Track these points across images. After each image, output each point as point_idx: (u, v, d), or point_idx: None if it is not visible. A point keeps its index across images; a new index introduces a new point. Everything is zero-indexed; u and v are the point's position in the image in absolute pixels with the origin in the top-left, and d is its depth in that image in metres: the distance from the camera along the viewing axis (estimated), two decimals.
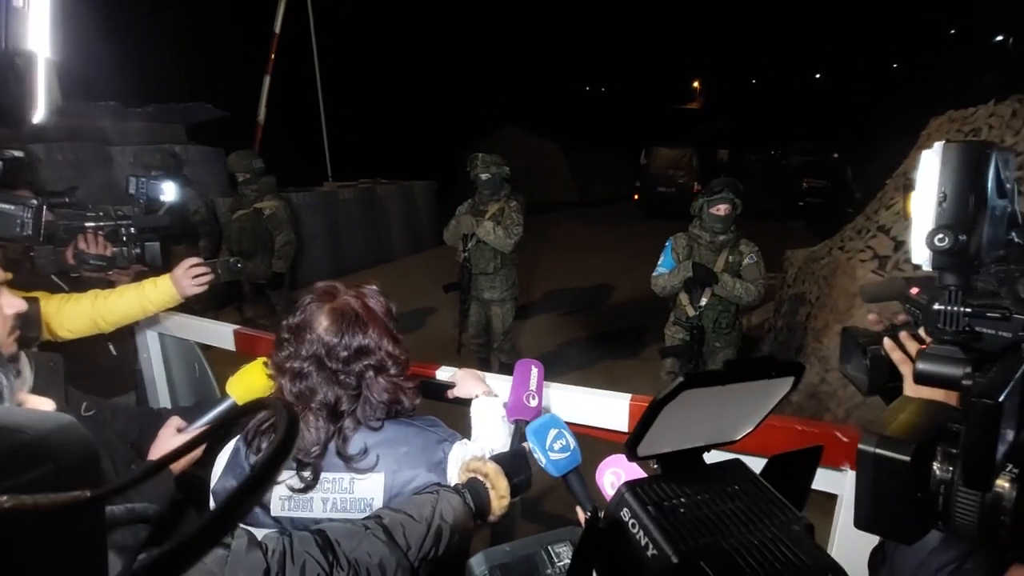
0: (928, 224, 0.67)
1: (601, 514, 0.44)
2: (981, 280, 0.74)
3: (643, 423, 0.41)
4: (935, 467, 0.51)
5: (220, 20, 11.42)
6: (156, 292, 1.63)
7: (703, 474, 0.45)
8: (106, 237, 1.76)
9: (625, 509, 0.41)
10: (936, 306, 0.72)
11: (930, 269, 0.70)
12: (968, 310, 0.70)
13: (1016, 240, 0.91)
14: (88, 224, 1.73)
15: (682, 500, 0.41)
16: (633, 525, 0.40)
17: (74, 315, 1.54)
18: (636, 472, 0.69)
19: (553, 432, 0.95)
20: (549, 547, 0.64)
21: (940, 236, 0.66)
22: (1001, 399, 0.46)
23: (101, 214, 1.76)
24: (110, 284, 1.80)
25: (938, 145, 0.67)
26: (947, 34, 16.38)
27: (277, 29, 7.75)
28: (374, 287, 1.06)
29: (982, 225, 0.67)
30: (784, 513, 0.41)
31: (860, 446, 0.51)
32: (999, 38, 16.01)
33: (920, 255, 0.69)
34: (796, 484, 0.47)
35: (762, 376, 0.43)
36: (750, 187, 3.20)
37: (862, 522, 0.52)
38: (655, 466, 0.46)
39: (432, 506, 0.89)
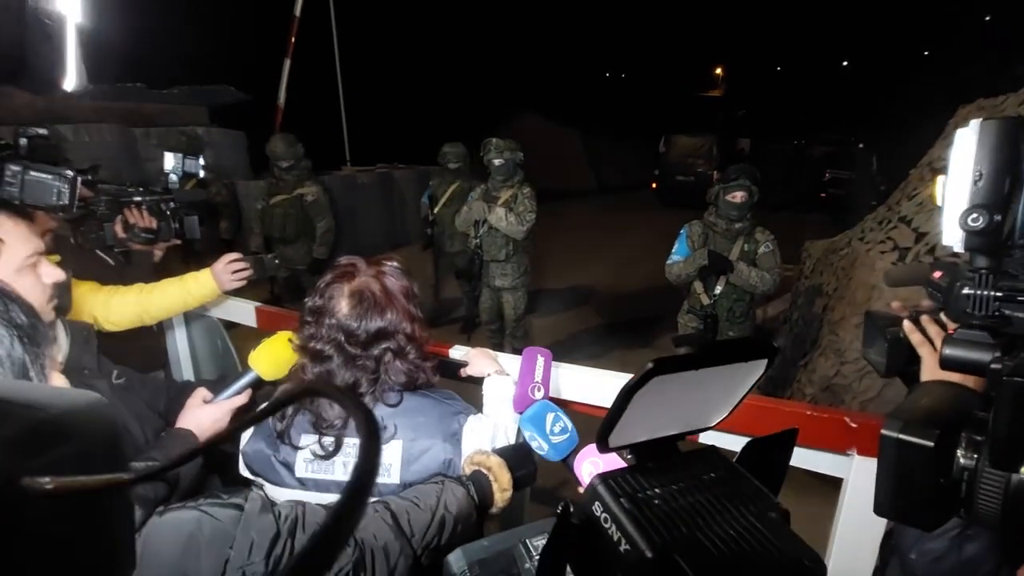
0: (962, 204, 0.65)
1: (572, 508, 0.42)
2: (1012, 264, 0.71)
3: (613, 412, 0.40)
4: (959, 454, 0.50)
5: (242, 3, 11.48)
6: (197, 286, 1.68)
7: (678, 463, 0.43)
8: (149, 211, 1.85)
9: (597, 503, 0.39)
10: (965, 289, 0.69)
11: (961, 250, 0.68)
12: (999, 294, 0.68)
13: None
14: (136, 198, 1.83)
15: (656, 491, 0.39)
16: (605, 520, 0.38)
17: (120, 309, 1.60)
18: (615, 462, 0.66)
19: (550, 416, 0.97)
20: (527, 541, 0.62)
21: (974, 216, 0.63)
22: None
23: (141, 189, 1.84)
24: (152, 267, 1.87)
25: (974, 122, 0.65)
26: (981, 21, 15.79)
27: (297, 13, 7.78)
28: (395, 264, 1.06)
29: (1018, 205, 0.65)
30: (760, 500, 0.40)
31: (883, 431, 0.50)
32: None
33: (952, 236, 0.67)
34: (772, 468, 0.46)
35: (734, 359, 0.42)
36: (771, 177, 3.16)
37: (882, 508, 0.52)
38: (629, 457, 0.45)
39: (437, 496, 0.92)
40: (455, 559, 0.58)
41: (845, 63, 24.79)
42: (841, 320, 3.17)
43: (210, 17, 11.11)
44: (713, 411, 0.47)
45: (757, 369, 0.44)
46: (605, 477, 0.40)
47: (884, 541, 1.06)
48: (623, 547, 0.36)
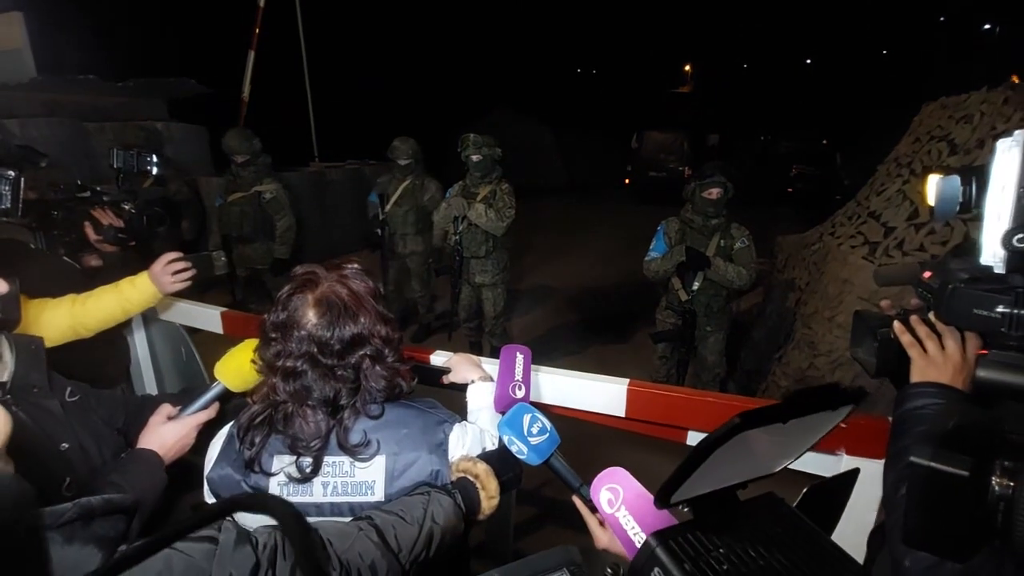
0: (1005, 222, 0.62)
1: (622, 572, 0.38)
2: None
3: (685, 470, 0.36)
4: (994, 481, 0.48)
5: None
6: (135, 292, 1.56)
7: (740, 516, 0.40)
8: (113, 211, 1.77)
9: (656, 569, 0.35)
10: (1000, 308, 0.67)
11: (1003, 271, 0.66)
12: None
13: None
14: (105, 198, 1.74)
15: (721, 552, 0.36)
16: None
17: (52, 324, 1.45)
18: (635, 489, 0.64)
19: (527, 417, 0.94)
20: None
21: (1021, 236, 0.61)
22: None
23: (98, 189, 1.75)
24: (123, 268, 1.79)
25: (1019, 133, 0.62)
26: (936, 21, 16.42)
27: (261, 2, 7.53)
28: (355, 266, 1.00)
29: None
30: (839, 562, 0.36)
31: (913, 459, 0.47)
32: (987, 26, 16.08)
33: (992, 255, 0.65)
34: (832, 512, 0.44)
35: (823, 408, 0.40)
36: (740, 173, 3.19)
37: (914, 539, 0.49)
38: (686, 509, 0.40)
39: (423, 508, 0.88)
40: None
41: (808, 61, 25.44)
42: (814, 314, 3.22)
43: (169, 5, 10.67)
44: (783, 457, 0.43)
45: (841, 413, 0.42)
46: (664, 537, 0.36)
47: (871, 538, 1.05)
48: None
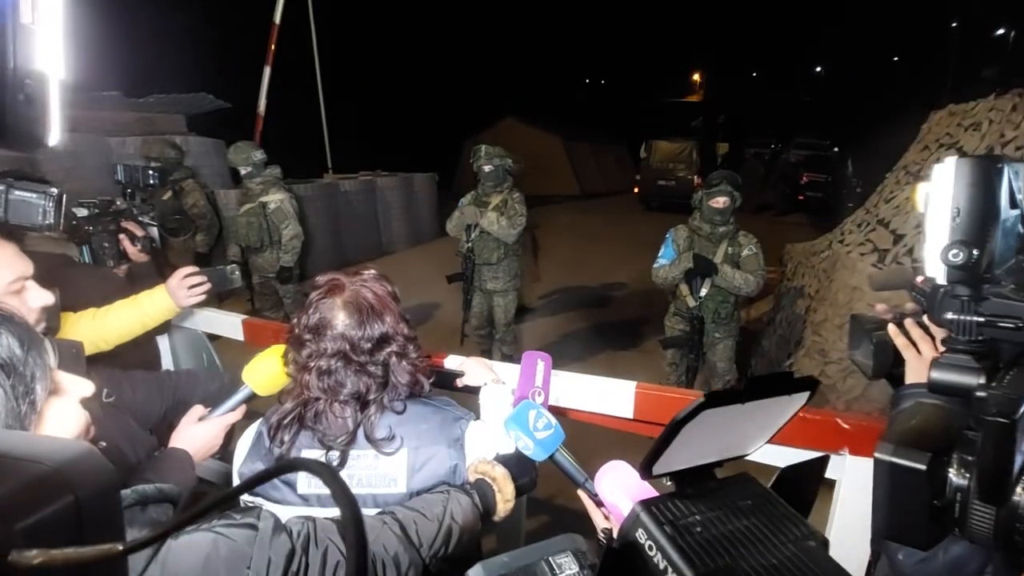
0: (942, 239, 0.68)
1: (615, 535, 0.43)
2: (991, 291, 0.75)
3: (661, 443, 0.40)
4: (951, 474, 0.51)
5: (220, 10, 11.36)
6: (153, 306, 1.61)
7: (716, 489, 0.44)
8: (137, 222, 1.86)
9: (640, 530, 0.40)
10: (949, 314, 0.72)
11: (944, 283, 0.71)
12: (980, 319, 0.71)
13: None
14: (134, 211, 1.85)
15: (696, 518, 0.40)
16: (650, 547, 0.39)
17: (74, 337, 1.46)
18: (632, 478, 0.68)
19: (532, 413, 0.97)
20: (550, 558, 0.61)
21: (955, 251, 0.67)
22: (1017, 416, 0.46)
23: (119, 202, 1.82)
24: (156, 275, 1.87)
25: (950, 160, 0.68)
26: (948, 27, 16.32)
27: (277, 20, 7.72)
28: (373, 271, 1.06)
29: (995, 238, 0.68)
30: (798, 528, 0.40)
31: (876, 454, 0.50)
32: (1001, 31, 15.93)
33: (934, 269, 0.70)
34: (804, 493, 0.48)
35: (780, 393, 0.43)
36: (750, 181, 3.23)
37: (879, 530, 0.53)
38: (668, 483, 0.45)
39: (443, 506, 0.92)
40: (475, 574, 0.57)
41: (819, 69, 25.37)
42: (824, 321, 3.23)
43: (188, 24, 10.97)
44: (751, 439, 0.47)
45: (799, 401, 0.45)
46: (647, 504, 0.41)
47: (875, 537, 1.09)
48: (669, 575, 0.37)
